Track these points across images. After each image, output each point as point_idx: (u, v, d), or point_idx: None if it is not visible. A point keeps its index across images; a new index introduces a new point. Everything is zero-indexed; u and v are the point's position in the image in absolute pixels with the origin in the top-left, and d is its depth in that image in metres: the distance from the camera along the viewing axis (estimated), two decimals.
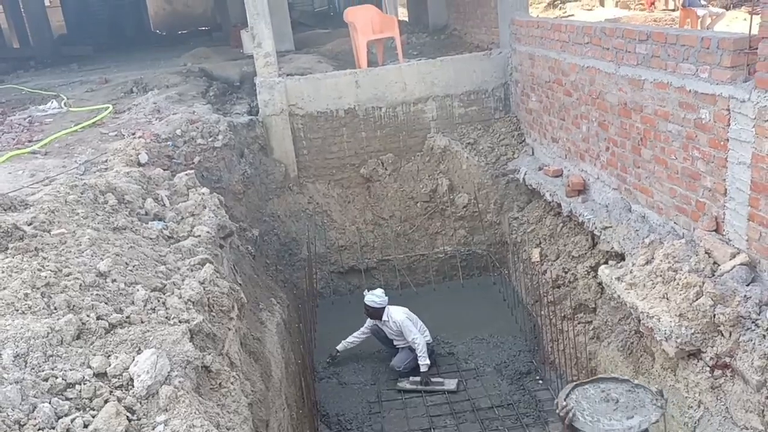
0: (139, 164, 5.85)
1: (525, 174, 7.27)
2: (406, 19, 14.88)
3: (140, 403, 2.58)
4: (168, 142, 6.66)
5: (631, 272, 4.60)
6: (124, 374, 2.69)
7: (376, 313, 6.53)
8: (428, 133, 8.28)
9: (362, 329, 6.80)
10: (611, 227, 5.44)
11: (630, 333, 4.97)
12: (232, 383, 3.28)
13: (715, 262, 4.15)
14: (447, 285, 8.13)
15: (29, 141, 6.92)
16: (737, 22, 11.08)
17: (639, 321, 4.43)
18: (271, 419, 4.15)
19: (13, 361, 2.57)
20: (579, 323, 5.67)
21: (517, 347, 6.74)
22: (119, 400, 2.55)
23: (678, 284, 4.10)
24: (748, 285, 3.88)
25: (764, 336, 3.60)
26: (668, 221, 4.93)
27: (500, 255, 8.03)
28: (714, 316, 3.81)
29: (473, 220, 7.99)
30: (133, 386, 2.63)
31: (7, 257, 3.34)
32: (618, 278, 4.70)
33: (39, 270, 3.21)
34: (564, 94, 6.52)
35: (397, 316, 6.50)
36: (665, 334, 4.00)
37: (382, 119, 8.19)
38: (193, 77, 10.01)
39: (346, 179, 8.32)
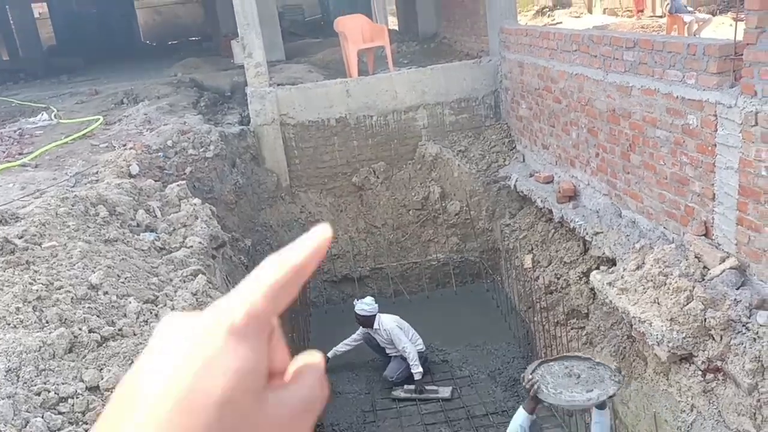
0: (131, 175, 5.84)
1: (516, 181, 7.30)
2: (396, 28, 14.95)
3: None
4: (159, 153, 6.65)
5: (622, 277, 4.63)
6: None
7: (367, 321, 6.52)
8: (419, 141, 8.31)
9: (354, 336, 6.75)
10: (602, 233, 5.48)
11: (622, 338, 5.00)
12: None
13: (705, 267, 4.18)
14: (440, 292, 8.14)
15: (19, 153, 6.89)
16: (723, 28, 11.20)
17: (631, 326, 4.45)
18: None
19: (5, 376, 2.56)
20: (572, 329, 5.70)
21: (510, 354, 6.75)
22: None
23: (669, 289, 4.13)
24: (737, 289, 3.91)
25: (755, 339, 3.63)
26: (658, 226, 4.97)
27: (493, 262, 8.06)
28: (705, 320, 3.84)
29: (465, 227, 8.02)
30: None
31: None
32: (610, 283, 4.72)
33: (30, 283, 3.20)
34: (553, 101, 6.57)
35: (388, 324, 6.48)
36: (657, 338, 4.02)
37: (373, 128, 8.22)
38: (184, 87, 10.00)
39: (338, 188, 8.33)
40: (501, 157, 7.95)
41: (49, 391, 2.53)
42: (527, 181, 7.14)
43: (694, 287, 3.98)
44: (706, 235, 4.38)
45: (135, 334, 3.10)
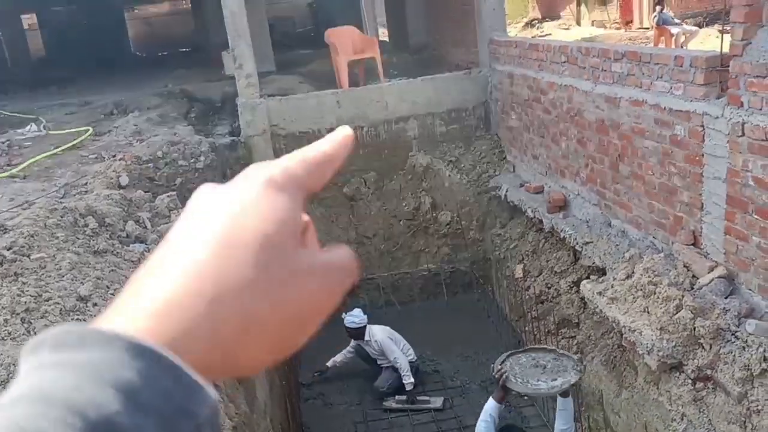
0: (120, 187, 5.81)
1: (507, 191, 7.33)
2: (387, 39, 15.03)
3: None
4: (149, 164, 6.63)
5: (612, 287, 4.65)
6: None
7: (357, 333, 6.48)
8: (410, 152, 8.34)
9: (348, 349, 6.74)
10: (592, 242, 5.51)
11: (613, 347, 5.01)
12: None
13: (693, 276, 4.21)
14: (431, 303, 8.13)
15: (8, 165, 6.84)
16: (711, 39, 11.35)
17: (621, 335, 4.47)
18: None
19: None
20: (563, 338, 5.71)
21: None
22: None
23: (658, 298, 4.16)
24: (726, 297, 3.94)
25: (744, 348, 3.65)
26: (647, 236, 5.00)
27: (483, 272, 8.06)
28: (694, 328, 3.86)
29: (456, 237, 8.03)
30: None
31: None
32: (600, 293, 4.74)
33: (19, 295, 3.17)
34: (543, 112, 6.62)
35: (379, 335, 6.45)
36: (647, 347, 4.04)
37: (364, 138, 8.24)
38: (174, 98, 9.99)
39: (329, 199, 8.33)
40: (491, 168, 7.98)
41: None
42: (517, 191, 7.17)
43: (683, 296, 4.01)
44: (695, 244, 4.41)
45: None
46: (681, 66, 4.33)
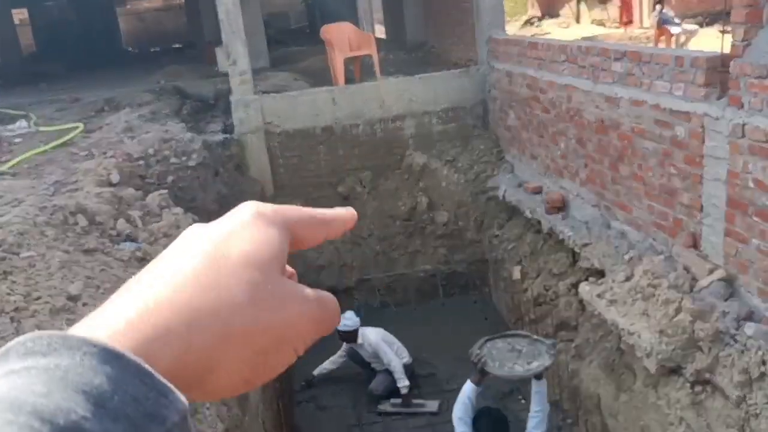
0: (111, 184, 5.71)
1: (505, 191, 7.27)
2: (384, 36, 14.96)
3: None
4: (140, 162, 6.53)
5: (611, 289, 4.61)
6: None
7: (350, 336, 6.31)
8: (407, 151, 8.27)
9: (339, 353, 6.56)
10: (591, 244, 5.46)
11: (611, 350, 4.97)
12: (207, 408, 3.19)
13: (693, 278, 4.17)
14: (427, 304, 8.06)
15: None
16: (711, 40, 11.32)
17: (620, 338, 4.43)
18: None
19: None
20: (561, 341, 5.65)
21: None
22: None
23: (658, 300, 4.11)
24: (726, 300, 3.90)
25: (743, 351, 3.61)
26: (647, 237, 4.95)
27: (481, 273, 8.01)
28: (693, 331, 3.82)
29: (453, 238, 7.97)
30: None
31: None
32: (599, 295, 4.69)
33: (8, 294, 3.11)
34: (542, 111, 6.57)
35: (372, 338, 6.32)
36: (646, 350, 3.99)
37: (359, 137, 8.17)
38: (166, 95, 9.89)
39: (323, 198, 8.25)
40: (489, 167, 7.92)
41: None
42: (516, 191, 7.11)
43: (682, 299, 3.96)
44: (695, 246, 4.37)
45: None
46: (681, 66, 4.29)
